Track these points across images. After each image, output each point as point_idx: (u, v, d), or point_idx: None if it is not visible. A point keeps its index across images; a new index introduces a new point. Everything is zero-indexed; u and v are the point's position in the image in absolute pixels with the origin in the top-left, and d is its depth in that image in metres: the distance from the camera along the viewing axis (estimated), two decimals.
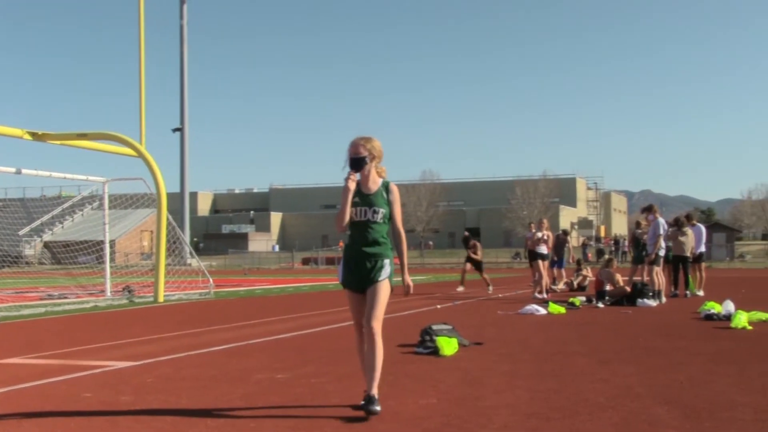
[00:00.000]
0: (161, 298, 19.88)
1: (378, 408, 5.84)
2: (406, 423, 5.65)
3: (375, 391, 5.91)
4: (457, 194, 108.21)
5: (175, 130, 68.04)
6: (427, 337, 9.46)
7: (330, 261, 67.10)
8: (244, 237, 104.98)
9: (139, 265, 38.30)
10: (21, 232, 71.32)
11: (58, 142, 20.45)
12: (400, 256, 6.16)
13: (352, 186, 5.99)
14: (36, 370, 8.33)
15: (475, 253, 23.94)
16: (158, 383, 7.46)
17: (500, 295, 21.04)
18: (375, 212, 6.01)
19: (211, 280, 22.96)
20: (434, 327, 9.73)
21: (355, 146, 6.05)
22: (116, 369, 8.41)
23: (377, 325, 5.95)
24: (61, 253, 44.96)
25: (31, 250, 69.14)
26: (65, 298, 21.10)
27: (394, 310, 15.77)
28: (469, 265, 24.13)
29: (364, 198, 6.05)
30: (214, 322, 13.88)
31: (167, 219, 21.01)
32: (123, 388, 7.16)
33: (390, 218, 6.09)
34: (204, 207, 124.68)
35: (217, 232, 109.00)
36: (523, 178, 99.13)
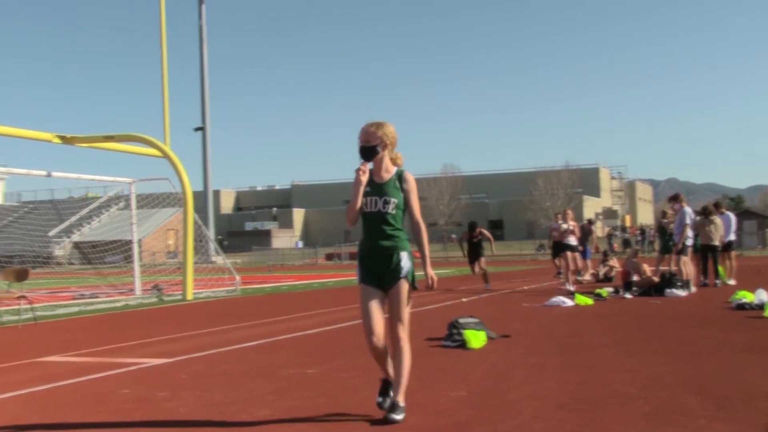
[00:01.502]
0: (190, 296, 20.09)
1: (399, 417, 5.52)
2: (436, 415, 5.75)
3: (401, 398, 5.61)
4: (478, 187, 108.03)
5: (196, 129, 68.44)
6: (455, 331, 9.55)
7: (353, 256, 67.26)
8: (267, 234, 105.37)
9: (166, 264, 38.61)
10: (51, 233, 72.05)
11: (86, 145, 20.72)
12: (420, 248, 5.72)
13: (364, 179, 5.59)
14: (74, 368, 8.52)
15: (479, 244, 21.72)
16: (192, 379, 7.61)
17: (526, 288, 21.08)
18: (387, 202, 5.56)
19: (237, 277, 23.16)
20: (461, 320, 9.81)
21: (365, 134, 5.63)
22: (151, 366, 8.57)
23: (403, 332, 5.61)
24: (90, 253, 45.42)
25: (61, 250, 69.80)
26: (97, 297, 21.38)
27: (420, 304, 15.89)
28: (482, 259, 21.96)
29: (375, 187, 5.61)
30: (242, 319, 14.04)
31: (193, 218, 21.20)
32: (158, 385, 7.32)
33: (405, 208, 5.65)
34: (227, 205, 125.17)
35: (241, 230, 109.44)
36: (545, 169, 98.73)
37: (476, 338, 9.27)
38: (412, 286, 5.66)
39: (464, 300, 16.97)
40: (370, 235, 5.64)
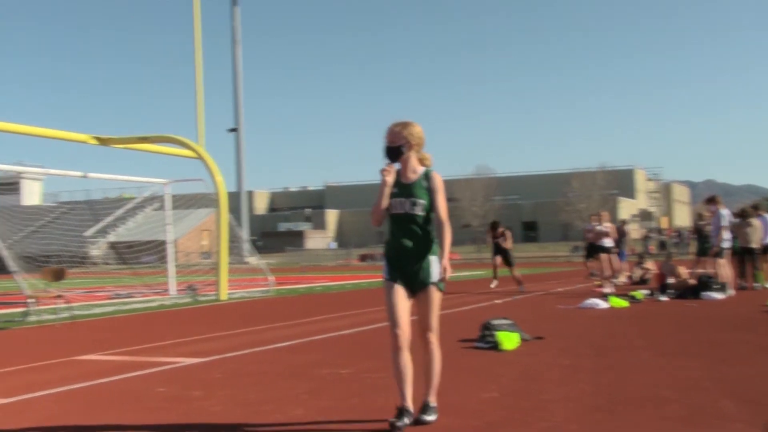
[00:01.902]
0: (224, 296, 20.22)
1: (431, 418, 5.49)
2: (469, 417, 5.74)
3: (432, 398, 5.59)
4: (512, 188, 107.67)
5: (230, 130, 68.92)
6: (487, 332, 9.53)
7: None
8: (300, 235, 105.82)
9: (200, 264, 38.88)
10: (87, 234, 72.88)
11: (121, 146, 20.93)
12: (440, 243, 5.48)
13: (390, 179, 5.44)
14: (111, 366, 8.62)
15: (504, 241, 21.49)
16: (226, 379, 7.66)
17: (560, 290, 20.97)
18: (414, 204, 5.41)
19: (272, 277, 23.26)
20: (494, 322, 9.79)
21: (390, 134, 5.52)
22: (185, 365, 8.64)
23: (434, 338, 5.57)
24: (126, 254, 45.90)
25: (97, 250, 70.59)
26: (132, 297, 21.59)
27: (453, 305, 15.87)
28: (499, 258, 21.82)
29: (402, 188, 5.47)
30: (276, 319, 14.11)
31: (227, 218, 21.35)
32: (193, 384, 7.38)
33: (431, 208, 5.47)
34: (260, 206, 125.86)
35: (274, 230, 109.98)
36: (580, 170, 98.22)
37: (509, 340, 9.24)
38: (439, 289, 5.53)
39: (498, 301, 16.92)
40: (398, 237, 5.51)
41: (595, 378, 7.17)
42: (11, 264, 15.94)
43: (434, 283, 5.46)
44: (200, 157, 21.01)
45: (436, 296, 5.49)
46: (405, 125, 5.53)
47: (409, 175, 5.52)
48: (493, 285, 21.82)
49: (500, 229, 21.47)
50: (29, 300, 14.96)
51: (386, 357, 8.83)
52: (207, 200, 29.39)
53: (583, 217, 76.85)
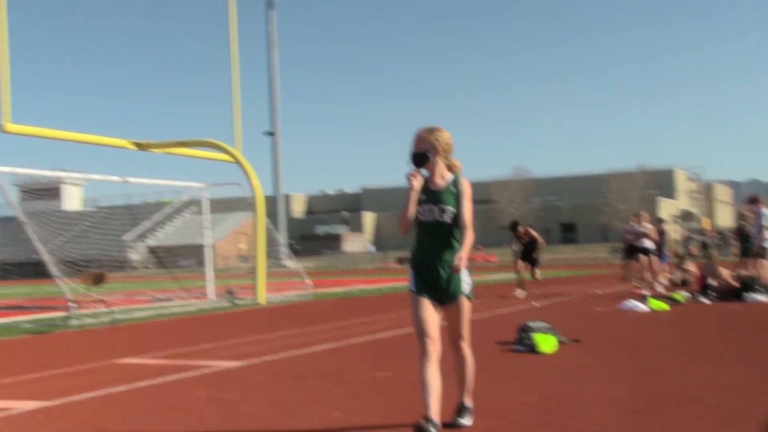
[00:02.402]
0: (262, 300, 20.33)
1: (468, 422, 5.48)
2: (507, 420, 5.74)
3: (468, 399, 5.57)
4: (550, 189, 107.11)
5: (267, 134, 69.39)
6: (525, 335, 9.50)
7: None
8: (337, 238, 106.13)
9: (238, 268, 39.15)
10: (126, 238, 73.70)
11: (160, 151, 21.14)
12: (462, 244, 5.28)
13: (417, 184, 5.28)
14: (151, 370, 8.72)
15: (531, 243, 19.96)
16: (264, 382, 7.72)
17: (598, 292, 20.82)
18: (443, 211, 5.28)
19: (309, 281, 23.35)
20: (531, 324, 9.76)
21: (416, 139, 5.37)
22: (224, 368, 8.71)
23: (466, 345, 5.50)
24: (165, 257, 46.38)
25: (137, 254, 71.36)
26: (171, 300, 21.78)
27: (490, 308, 15.85)
28: (521, 263, 20.10)
29: (430, 195, 5.34)
30: (314, 322, 14.17)
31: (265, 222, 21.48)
32: (232, 387, 7.44)
33: (457, 213, 5.32)
34: (298, 209, 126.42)
35: (312, 234, 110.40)
36: (618, 171, 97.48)
37: (546, 342, 9.21)
38: (469, 299, 5.43)
39: (536, 304, 16.84)
40: (426, 245, 5.35)
41: (633, 380, 7.11)
42: (53, 269, 16.16)
43: (465, 294, 5.36)
44: (237, 161, 21.15)
45: (466, 306, 5.40)
46: (431, 131, 5.39)
47: (437, 181, 5.39)
48: (521, 295, 19.36)
49: (521, 229, 19.95)
50: (71, 304, 15.16)
51: None
52: (244, 204, 29.59)
53: (622, 219, 76.21)
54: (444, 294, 5.29)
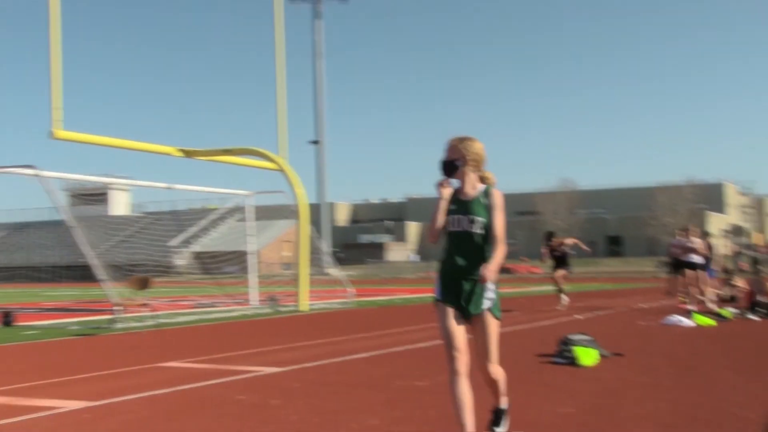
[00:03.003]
0: (304, 307, 20.45)
1: (503, 430, 5.41)
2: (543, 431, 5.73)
3: (503, 401, 5.42)
4: (596, 201, 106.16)
5: (312, 142, 69.81)
6: (565, 348, 9.46)
7: None
8: (381, 247, 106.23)
9: (282, 275, 39.35)
10: (172, 243, 74.53)
11: (205, 158, 21.41)
12: (492, 256, 5.07)
13: (445, 193, 5.19)
14: (193, 374, 8.84)
15: (563, 256, 19.75)
16: (304, 388, 7.78)
17: (643, 306, 20.62)
18: (472, 221, 5.12)
19: (352, 289, 23.44)
20: (573, 337, 9.72)
21: (447, 148, 5.28)
22: (265, 374, 8.80)
23: (495, 368, 5.21)
24: (209, 264, 46.83)
25: (182, 260, 72.09)
26: (214, 306, 22.01)
27: (532, 320, 15.79)
28: (560, 272, 20.03)
29: (460, 205, 5.20)
30: (355, 331, 14.23)
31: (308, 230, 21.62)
32: (272, 392, 7.52)
33: (488, 225, 5.15)
34: (342, 217, 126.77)
35: (355, 242, 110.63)
36: (666, 183, 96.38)
37: (587, 355, 9.16)
38: (495, 317, 5.16)
39: (579, 317, 16.74)
40: (453, 256, 5.20)
41: (675, 396, 7.05)
42: (100, 272, 16.42)
43: (489, 310, 5.12)
44: (281, 170, 21.33)
45: (492, 324, 5.13)
46: (462, 139, 5.27)
47: (467, 191, 5.23)
48: (563, 303, 19.55)
49: (556, 240, 19.67)
50: (116, 308, 15.39)
51: None
52: (288, 212, 29.80)
53: (670, 232, 75.34)
54: (467, 305, 5.12)
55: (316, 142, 69.70)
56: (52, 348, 12.28)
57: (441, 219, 5.22)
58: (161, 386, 7.89)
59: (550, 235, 19.89)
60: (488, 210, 5.17)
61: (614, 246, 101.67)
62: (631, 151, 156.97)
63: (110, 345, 12.60)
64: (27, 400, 7.24)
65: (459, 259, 5.15)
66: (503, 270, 62.52)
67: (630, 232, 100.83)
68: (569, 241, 19.90)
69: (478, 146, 5.26)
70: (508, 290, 31.89)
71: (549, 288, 34.89)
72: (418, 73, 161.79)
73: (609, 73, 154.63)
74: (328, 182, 75.71)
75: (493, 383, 5.27)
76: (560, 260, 19.81)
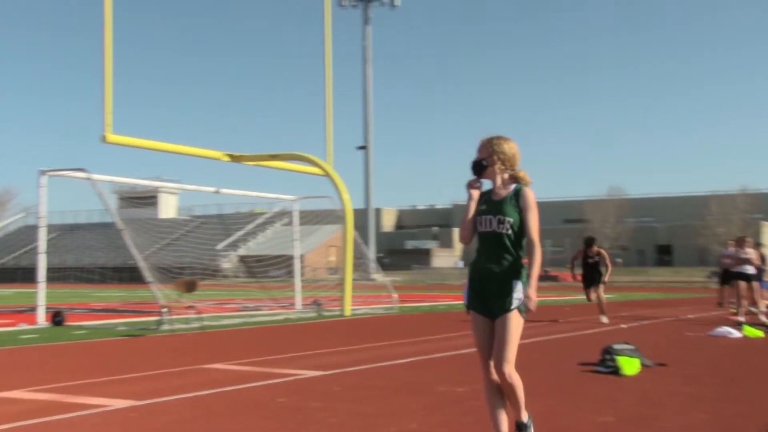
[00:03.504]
0: (348, 312, 20.55)
1: None
2: None
3: (523, 415, 5.20)
4: (646, 210, 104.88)
5: (359, 148, 70.00)
6: (608, 357, 9.41)
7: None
8: (427, 253, 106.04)
9: (327, 280, 39.56)
10: (219, 247, 75.25)
11: (252, 163, 21.62)
12: (529, 267, 5.07)
13: (474, 193, 5.17)
14: (236, 376, 8.96)
15: (597, 264, 18.29)
16: (345, 392, 7.85)
17: (691, 316, 20.37)
18: (501, 222, 5.04)
19: (395, 295, 23.48)
20: (616, 346, 9.66)
21: (478, 148, 5.24)
22: (307, 377, 8.89)
23: (509, 370, 5.00)
24: (255, 267, 47.19)
25: (228, 263, 72.72)
26: (259, 309, 22.21)
27: (576, 328, 15.69)
28: (591, 291, 18.45)
29: (490, 205, 5.13)
30: (398, 336, 14.27)
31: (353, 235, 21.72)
32: (312, 395, 7.59)
33: (521, 228, 5.07)
34: (388, 223, 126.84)
35: (401, 248, 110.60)
36: (719, 192, 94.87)
37: (630, 365, 9.10)
38: (520, 314, 5.06)
39: (623, 326, 16.59)
40: (482, 257, 5.15)
41: (717, 408, 6.98)
42: (147, 275, 16.68)
43: (517, 309, 5.01)
44: (328, 175, 21.47)
45: (514, 323, 4.99)
46: (491, 138, 5.21)
47: (498, 191, 5.17)
48: (604, 320, 17.79)
49: (595, 248, 18.45)
50: (163, 309, 15.61)
51: None
52: (335, 216, 29.99)
53: (721, 242, 74.24)
54: (494, 306, 5.06)
55: (363, 148, 69.83)
56: (100, 348, 12.52)
57: (470, 219, 5.18)
58: (205, 387, 8.01)
59: (590, 241, 18.83)
60: (518, 210, 5.07)
61: (664, 255, 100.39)
62: (683, 158, 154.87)
63: (156, 346, 12.81)
64: (75, 397, 7.41)
65: (487, 260, 5.10)
66: (548, 278, 62.36)
67: (680, 241, 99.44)
68: (604, 252, 18.61)
69: (509, 145, 5.18)
70: (553, 298, 31.68)
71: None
72: (466, 79, 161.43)
73: (661, 80, 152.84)
74: (375, 188, 75.88)
75: (509, 389, 5.06)
76: (592, 268, 18.38)
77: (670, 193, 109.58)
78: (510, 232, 5.04)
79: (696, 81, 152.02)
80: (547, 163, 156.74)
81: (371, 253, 55.32)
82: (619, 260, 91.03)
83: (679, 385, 8.36)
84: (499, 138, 5.20)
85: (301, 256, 24.66)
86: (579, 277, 18.67)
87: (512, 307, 4.99)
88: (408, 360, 10.55)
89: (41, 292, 16.99)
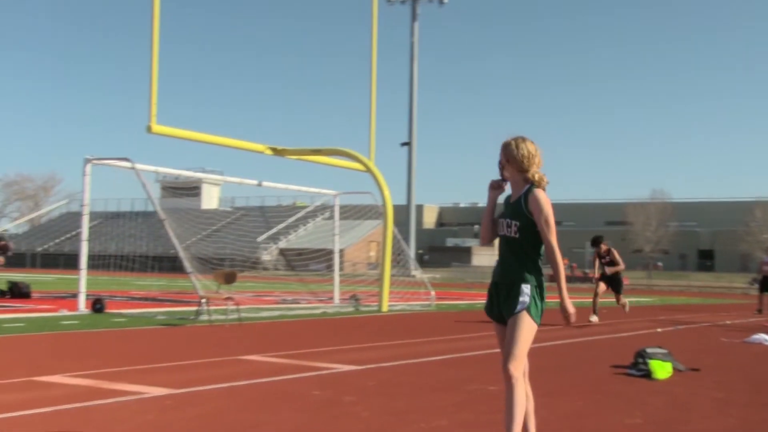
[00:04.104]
0: (385, 308, 20.67)
1: None
2: None
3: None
4: (689, 214, 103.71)
5: (403, 144, 70.00)
6: (641, 360, 9.44)
7: (551, 278, 66.23)
8: (468, 251, 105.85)
9: (366, 275, 39.68)
10: (259, 239, 75.78)
11: (295, 157, 21.83)
12: (554, 275, 5.00)
13: (492, 194, 5.14)
14: (272, 368, 9.13)
15: (611, 263, 17.69)
16: (378, 387, 7.98)
17: (728, 322, 20.20)
18: (509, 225, 4.97)
19: (432, 292, 23.56)
20: (649, 350, 9.67)
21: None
22: (341, 371, 9.03)
23: (515, 369, 4.95)
24: (295, 260, 47.53)
25: (268, 255, 73.21)
26: (298, 303, 22.43)
27: (611, 331, 15.68)
28: (603, 285, 17.96)
29: (507, 208, 5.08)
30: (433, 334, 14.38)
31: (393, 232, 21.85)
32: (346, 389, 7.73)
33: (534, 231, 4.95)
34: (429, 220, 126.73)
35: (442, 245, 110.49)
36: (764, 199, 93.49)
37: (662, 369, 9.12)
38: (534, 322, 4.98)
39: (659, 330, 16.53)
40: (498, 261, 5.12)
41: (746, 414, 7.00)
42: (187, 265, 16.93)
43: (527, 311, 4.94)
44: (369, 171, 21.61)
45: (520, 325, 4.92)
46: (508, 139, 5.08)
47: (514, 193, 5.08)
48: (593, 319, 17.36)
49: (604, 246, 17.65)
50: (202, 300, 15.85)
51: (536, 377, 8.91)
52: (376, 212, 30.13)
53: (765, 249, 73.20)
54: (503, 309, 5.03)
55: (407, 144, 69.78)
56: (139, 336, 12.77)
57: (487, 221, 5.15)
58: (240, 378, 8.18)
59: (597, 240, 17.92)
60: (528, 213, 4.93)
61: (706, 260, 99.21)
62: (729, 163, 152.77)
63: (194, 336, 13.03)
64: (114, 384, 7.62)
65: (500, 264, 5.07)
66: (589, 280, 61.83)
67: (723, 246, 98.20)
68: (614, 251, 17.80)
69: (523, 146, 5.02)
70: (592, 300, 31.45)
71: (633, 299, 34.38)
72: (512, 77, 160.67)
73: (707, 84, 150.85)
74: (418, 184, 75.71)
75: (508, 393, 5.02)
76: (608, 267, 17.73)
77: (714, 198, 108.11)
78: (518, 236, 4.94)
79: (744, 85, 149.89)
80: (591, 164, 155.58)
81: (411, 249, 55.39)
82: (659, 264, 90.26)
83: (710, 389, 8.38)
84: (515, 139, 5.07)
85: (341, 251, 24.87)
86: (594, 275, 18.21)
87: (516, 310, 4.91)
88: (441, 357, 10.66)
89: (82, 279, 17.31)
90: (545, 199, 4.92)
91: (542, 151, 5.09)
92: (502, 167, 5.09)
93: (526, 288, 4.91)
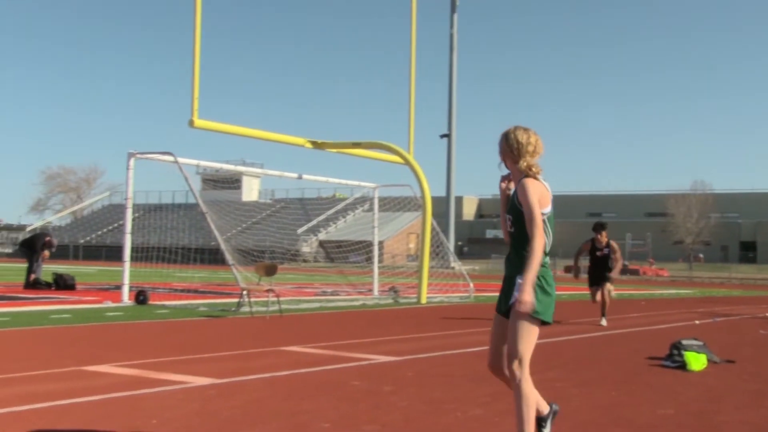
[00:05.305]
0: (424, 300, 20.82)
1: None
2: (639, 430, 5.91)
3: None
4: (731, 205, 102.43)
5: (442, 136, 69.92)
6: (676, 352, 9.51)
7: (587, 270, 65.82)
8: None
9: (405, 267, 39.83)
10: (299, 231, 76.25)
11: (335, 150, 22.03)
12: (526, 264, 4.64)
13: (502, 186, 5.01)
14: (312, 358, 9.35)
15: (606, 258, 15.29)
16: (415, 377, 8.16)
17: None
18: (507, 219, 4.86)
19: (471, 284, 23.67)
20: (684, 342, 9.74)
21: None
22: (380, 362, 9.22)
23: (517, 368, 4.75)
24: (334, 252, 47.83)
25: (308, 247, 73.63)
26: (337, 295, 22.67)
27: (648, 323, 15.70)
28: (608, 286, 15.41)
29: (509, 203, 4.91)
30: (470, 326, 14.50)
31: (431, 224, 21.99)
32: (385, 380, 7.92)
33: (520, 223, 4.76)
34: (469, 211, 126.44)
35: (481, 237, 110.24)
36: None
37: (696, 361, 9.20)
38: (538, 321, 4.78)
39: (697, 322, 16.52)
40: (506, 256, 4.96)
41: None
42: (228, 257, 17.19)
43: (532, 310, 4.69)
44: (408, 164, 21.75)
45: (521, 321, 4.70)
46: (508, 130, 4.90)
47: (514, 186, 4.90)
48: (604, 323, 15.01)
49: (604, 237, 15.43)
50: (243, 292, 16.11)
51: (570, 368, 9.07)
52: (415, 204, 30.28)
53: None
54: (504, 302, 4.88)
55: (446, 136, 69.64)
56: (182, 327, 13.05)
57: (503, 218, 4.95)
58: (281, 369, 8.39)
59: (599, 226, 15.55)
60: (518, 205, 4.74)
61: (748, 252, 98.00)
62: None
63: (235, 327, 13.28)
64: (158, 374, 7.87)
65: (506, 258, 4.94)
66: (629, 271, 61.44)
67: (765, 238, 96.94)
68: (615, 244, 15.48)
69: (513, 136, 4.83)
70: (631, 292, 31.42)
71: (673, 291, 34.17)
72: (552, 69, 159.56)
73: (748, 75, 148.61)
74: (457, 176, 75.55)
75: (515, 393, 4.85)
76: (601, 262, 15.40)
77: (757, 188, 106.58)
78: (513, 229, 4.81)
79: None
80: (631, 155, 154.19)
81: (450, 241, 55.44)
82: (701, 255, 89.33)
83: (744, 381, 8.45)
84: (509, 129, 4.89)
85: (380, 243, 25.06)
86: (580, 268, 16.65)
87: (510, 302, 4.74)
88: (478, 349, 10.77)
89: (126, 271, 17.64)
90: (532, 187, 4.70)
91: (539, 139, 4.87)
92: (502, 160, 4.96)
93: (520, 281, 4.65)
